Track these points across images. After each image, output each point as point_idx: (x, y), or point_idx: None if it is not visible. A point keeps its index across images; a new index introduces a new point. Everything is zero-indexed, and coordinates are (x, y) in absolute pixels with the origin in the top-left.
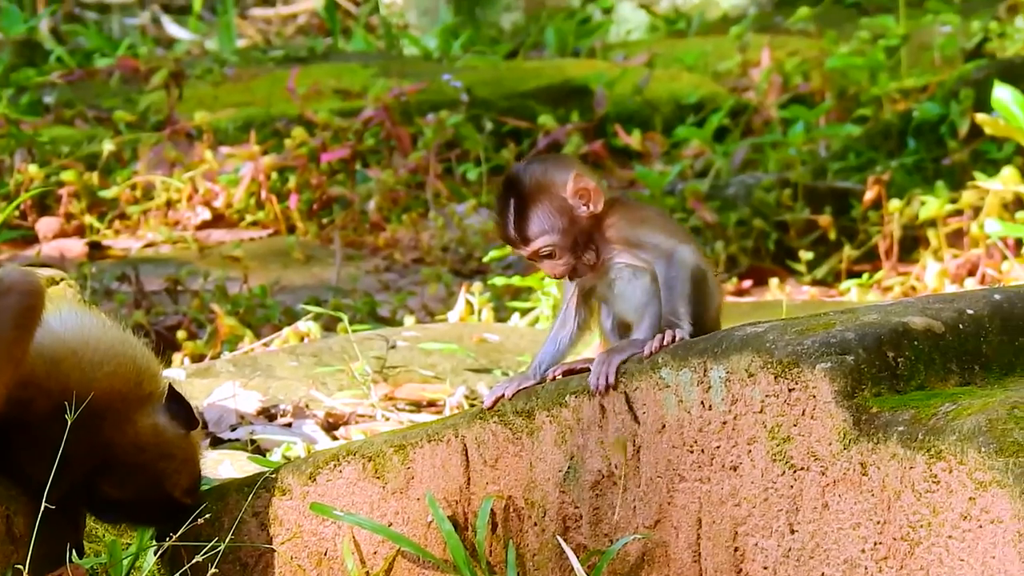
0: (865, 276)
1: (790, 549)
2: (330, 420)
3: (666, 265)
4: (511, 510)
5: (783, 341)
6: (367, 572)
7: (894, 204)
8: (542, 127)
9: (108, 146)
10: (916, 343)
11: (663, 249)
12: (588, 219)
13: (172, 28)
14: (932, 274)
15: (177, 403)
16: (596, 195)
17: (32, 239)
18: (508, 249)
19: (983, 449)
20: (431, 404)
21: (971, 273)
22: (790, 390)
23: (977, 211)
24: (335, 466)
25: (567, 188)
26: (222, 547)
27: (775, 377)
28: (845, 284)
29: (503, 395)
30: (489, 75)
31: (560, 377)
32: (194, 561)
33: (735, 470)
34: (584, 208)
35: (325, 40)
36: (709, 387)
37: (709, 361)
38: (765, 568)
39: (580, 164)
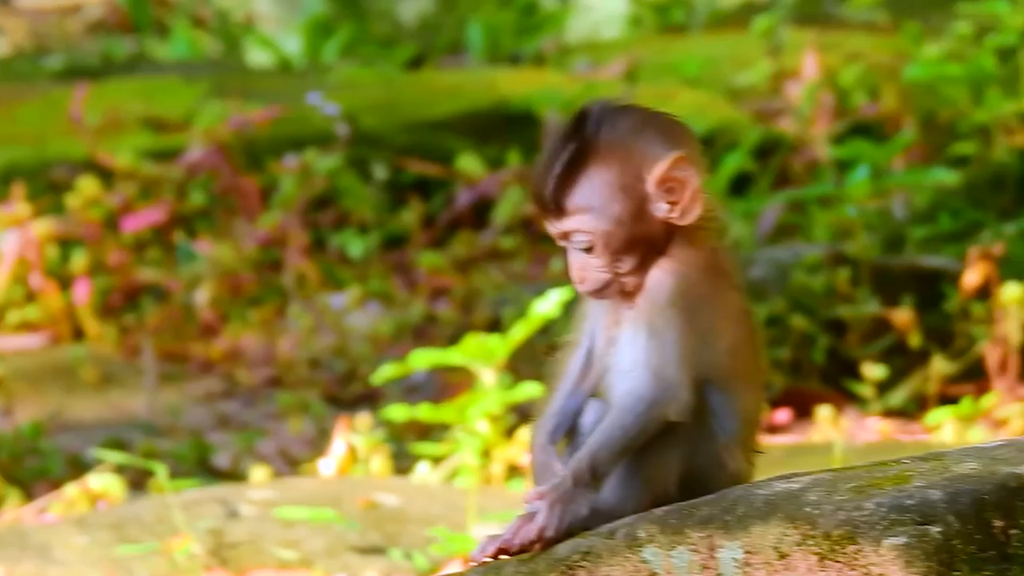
0: (966, 403)
1: None
2: None
3: (633, 384)
4: None
5: (832, 504)
6: None
7: (1011, 291)
8: (462, 174)
9: None
10: None
11: (650, 354)
12: (663, 226)
13: None
14: None
15: None
16: (692, 200)
17: None
18: (410, 365)
19: None
20: None
21: None
22: None
23: None
24: None
25: (655, 168)
26: None
27: (820, 559)
28: (934, 416)
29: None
30: (381, 95)
31: (489, 561)
32: None
33: None
34: (665, 208)
35: (129, 42)
36: (718, 575)
37: (718, 535)
38: None
39: (697, 148)
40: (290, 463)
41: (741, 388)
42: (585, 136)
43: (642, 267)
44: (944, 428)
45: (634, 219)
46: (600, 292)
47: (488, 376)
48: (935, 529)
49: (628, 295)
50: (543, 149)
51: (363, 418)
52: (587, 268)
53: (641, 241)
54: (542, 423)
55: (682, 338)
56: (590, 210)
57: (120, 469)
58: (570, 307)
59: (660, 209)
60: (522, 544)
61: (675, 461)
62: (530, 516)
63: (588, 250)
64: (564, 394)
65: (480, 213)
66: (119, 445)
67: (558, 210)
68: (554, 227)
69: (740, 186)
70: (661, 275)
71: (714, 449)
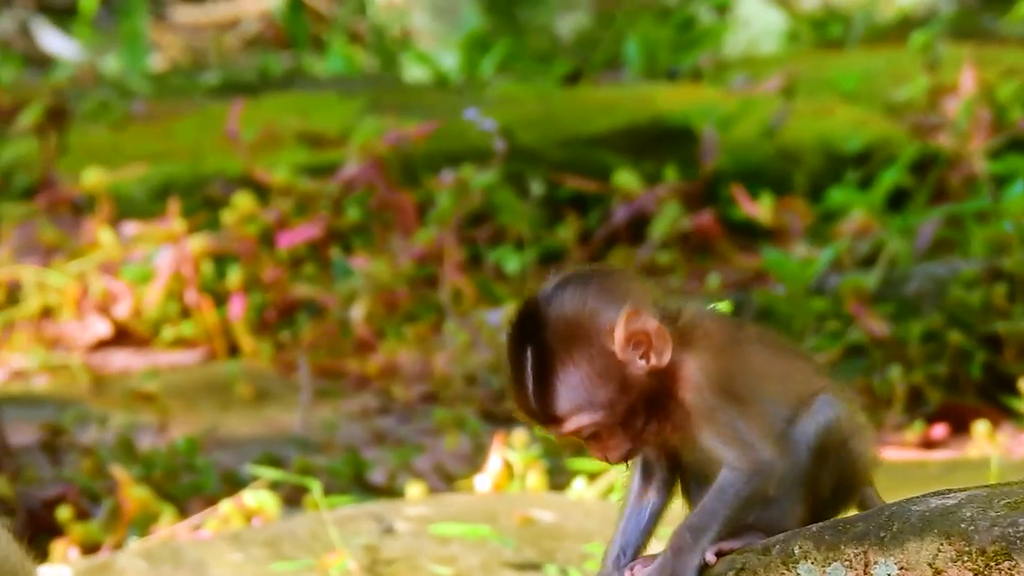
0: None
1: None
2: None
3: (736, 475)
4: None
5: (987, 520)
6: None
7: None
8: (619, 191)
9: None
10: None
11: (742, 451)
12: (650, 375)
13: (50, 39)
14: None
15: None
16: (660, 342)
17: None
18: None
19: None
20: None
21: None
22: None
23: None
24: None
25: (615, 334)
26: None
27: (975, 575)
28: None
29: None
30: (537, 110)
31: None
32: None
33: None
34: (642, 362)
35: (285, 58)
36: None
37: (872, 550)
38: None
39: (636, 287)
40: (446, 479)
41: (839, 394)
42: (537, 339)
43: (654, 411)
44: None
45: (622, 390)
46: (630, 455)
47: None
48: None
49: (661, 435)
50: (508, 358)
51: (519, 434)
52: (605, 447)
53: (638, 398)
54: (607, 552)
55: (744, 413)
56: (581, 408)
57: (275, 485)
58: None
59: (638, 366)
60: None
61: (832, 471)
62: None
63: (595, 437)
64: (627, 515)
65: (637, 228)
66: (274, 461)
67: (551, 419)
68: (555, 433)
69: (897, 201)
70: (686, 380)
71: (853, 455)
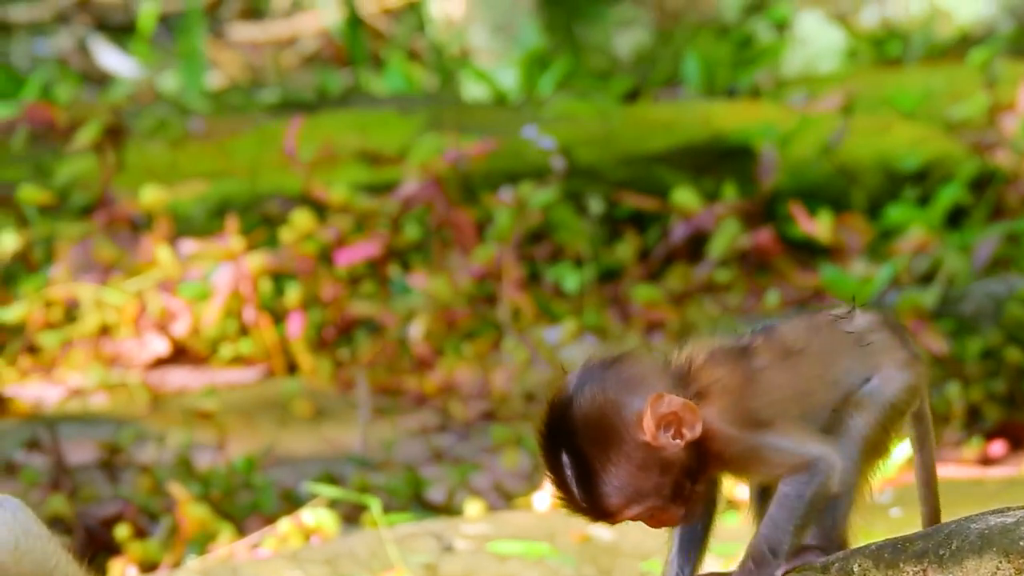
0: None
1: None
2: None
3: (796, 481)
4: None
5: None
6: None
7: None
8: (677, 208)
9: (8, 241)
10: None
11: (794, 463)
12: (687, 447)
13: (108, 57)
14: None
15: None
16: (689, 416)
17: None
18: None
19: None
20: None
21: None
22: None
23: None
24: None
25: (644, 424)
26: None
27: None
28: None
29: None
30: (596, 128)
31: None
32: None
33: None
34: (677, 441)
35: (344, 75)
36: None
37: (932, 568)
38: None
39: (648, 365)
40: (504, 497)
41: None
42: (571, 445)
43: (697, 473)
44: None
45: (664, 471)
46: (688, 517)
47: None
48: None
49: (709, 484)
50: (545, 465)
51: None
52: (661, 521)
53: (680, 471)
54: (665, 572)
55: (779, 431)
56: (630, 500)
57: (334, 503)
58: None
59: (674, 445)
60: None
61: (881, 453)
62: None
63: (651, 517)
64: (678, 531)
65: (695, 246)
66: (332, 479)
67: (605, 515)
68: (609, 524)
69: (955, 219)
70: (717, 436)
71: (900, 422)
